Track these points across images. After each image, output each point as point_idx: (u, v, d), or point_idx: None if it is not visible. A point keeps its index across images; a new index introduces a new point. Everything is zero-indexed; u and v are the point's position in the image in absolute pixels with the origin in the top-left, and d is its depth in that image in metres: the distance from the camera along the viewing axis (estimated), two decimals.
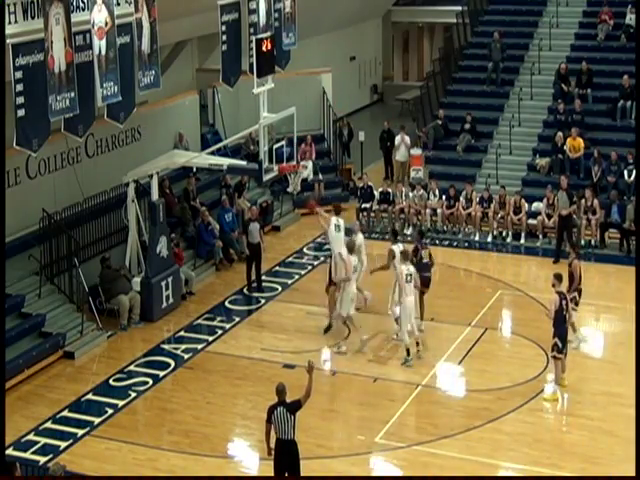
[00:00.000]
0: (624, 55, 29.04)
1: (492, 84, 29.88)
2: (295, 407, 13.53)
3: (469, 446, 15.75)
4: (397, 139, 28.96)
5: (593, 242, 23.90)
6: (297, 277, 22.70)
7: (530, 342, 19.15)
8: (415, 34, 41.92)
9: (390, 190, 26.24)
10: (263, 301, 21.41)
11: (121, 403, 17.37)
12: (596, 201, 24.00)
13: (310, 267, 23.35)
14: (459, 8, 32.43)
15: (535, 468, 15.12)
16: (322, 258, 23.57)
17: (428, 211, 25.46)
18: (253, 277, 22.01)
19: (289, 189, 22.57)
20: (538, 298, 20.95)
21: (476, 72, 30.51)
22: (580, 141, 26.21)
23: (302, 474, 13.75)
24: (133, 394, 17.69)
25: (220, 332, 20.11)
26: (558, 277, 17.23)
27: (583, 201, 24.05)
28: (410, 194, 25.80)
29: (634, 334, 17.32)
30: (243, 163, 22.24)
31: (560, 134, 26.62)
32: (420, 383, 17.79)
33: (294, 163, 21.14)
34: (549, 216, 24.29)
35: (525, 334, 19.50)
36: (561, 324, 17.01)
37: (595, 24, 30.35)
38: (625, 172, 25.21)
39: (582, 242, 23.39)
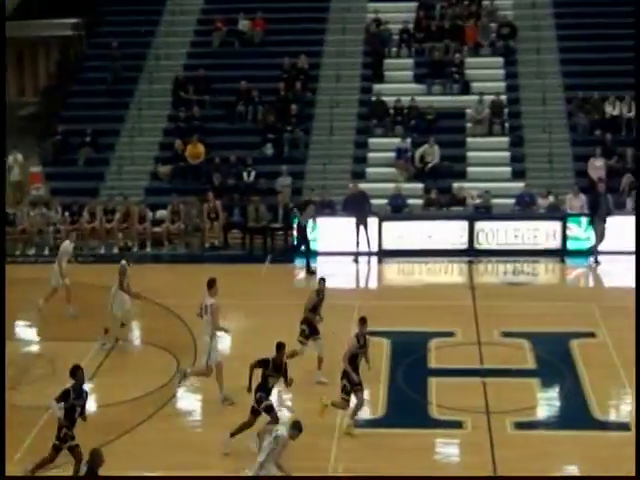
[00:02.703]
0: (239, 60, 29.68)
1: (111, 95, 29.44)
2: None
3: (107, 462, 15.17)
4: (9, 158, 27.52)
5: (217, 243, 24.27)
6: None
7: (160, 350, 18.89)
8: (30, 49, 40.50)
9: (10, 211, 25.09)
10: None
11: None
12: (218, 203, 24.37)
13: None
14: (75, 20, 31.74)
15: (177, 472, 14.76)
16: None
17: (51, 229, 24.68)
18: None
19: None
20: (167, 304, 20.77)
21: (94, 84, 29.92)
22: (200, 147, 26.44)
23: None
24: None
25: None
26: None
27: (206, 205, 24.32)
28: (31, 213, 24.90)
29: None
30: None
31: (179, 141, 26.73)
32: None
33: None
34: (173, 222, 24.41)
35: (155, 342, 19.21)
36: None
37: (210, 31, 30.79)
38: (244, 174, 25.80)
39: (206, 244, 23.63)
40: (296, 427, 13.14)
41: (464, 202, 24.95)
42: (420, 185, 26.10)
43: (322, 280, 17.79)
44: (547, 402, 17.03)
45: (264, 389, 14.94)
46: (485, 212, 24.48)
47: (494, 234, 23.64)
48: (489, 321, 19.56)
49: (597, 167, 25.40)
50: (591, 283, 22.95)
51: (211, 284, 16.82)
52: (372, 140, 27.66)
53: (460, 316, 19.98)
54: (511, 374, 17.79)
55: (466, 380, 17.67)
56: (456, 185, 25.47)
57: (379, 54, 29.58)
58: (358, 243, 23.68)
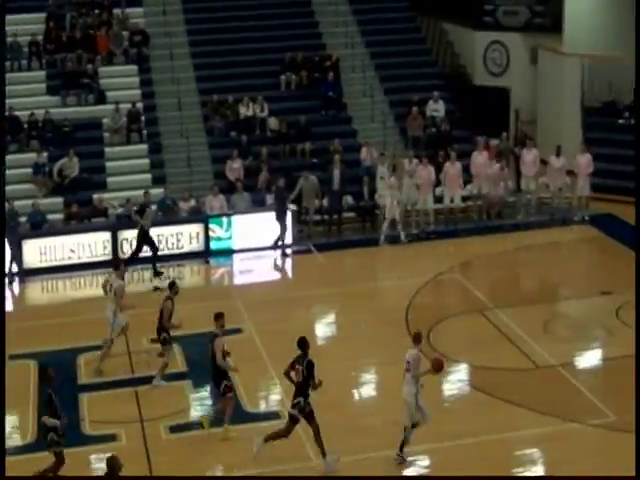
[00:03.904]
0: None
1: None
2: None
3: None
4: None
5: None
6: None
7: None
8: None
9: None
10: None
11: None
12: None
13: None
14: None
15: None
16: None
17: None
18: None
19: None
20: None
21: None
22: None
23: None
24: None
25: None
26: None
27: None
28: None
29: None
30: None
31: None
32: None
33: None
34: None
35: None
36: None
37: None
38: None
39: None
40: (418, 339, 15.18)
41: (106, 213, 24.68)
42: (60, 199, 25.47)
43: (173, 284, 17.98)
44: (200, 402, 17.26)
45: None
46: (128, 221, 24.25)
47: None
48: (138, 329, 19.47)
49: (234, 168, 25.96)
50: (235, 281, 23.44)
51: (117, 266, 18.87)
52: (8, 157, 26.58)
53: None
54: (162, 379, 17.85)
55: (118, 391, 17.59)
56: (96, 196, 25.12)
57: None
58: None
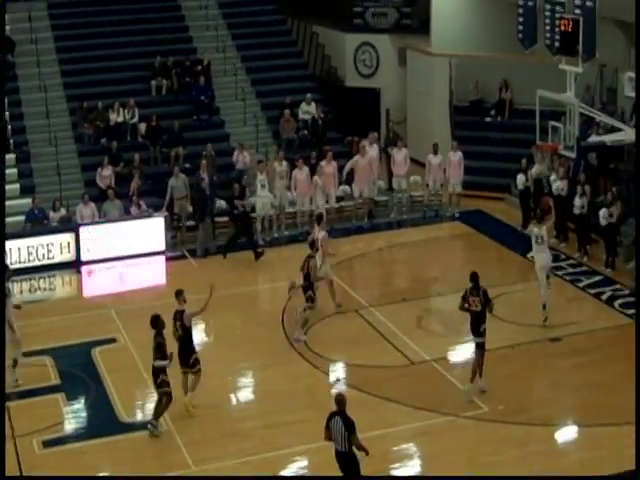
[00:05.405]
0: None
1: None
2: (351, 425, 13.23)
3: None
4: None
5: None
6: None
7: None
8: None
9: None
10: None
11: None
12: None
13: None
14: None
15: None
16: None
17: None
18: None
19: None
20: None
21: None
22: None
23: None
24: None
25: None
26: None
27: None
28: None
29: None
30: None
31: None
32: None
33: None
34: None
35: None
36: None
37: None
38: None
39: None
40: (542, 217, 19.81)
41: None
42: None
43: (313, 243, 19.71)
44: (74, 415, 16.98)
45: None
46: None
47: (7, 254, 22.86)
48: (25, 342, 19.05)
49: (105, 176, 25.51)
50: (108, 289, 22.99)
51: (320, 219, 21.13)
52: None
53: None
54: (35, 394, 17.49)
55: None
56: None
57: None
58: None
